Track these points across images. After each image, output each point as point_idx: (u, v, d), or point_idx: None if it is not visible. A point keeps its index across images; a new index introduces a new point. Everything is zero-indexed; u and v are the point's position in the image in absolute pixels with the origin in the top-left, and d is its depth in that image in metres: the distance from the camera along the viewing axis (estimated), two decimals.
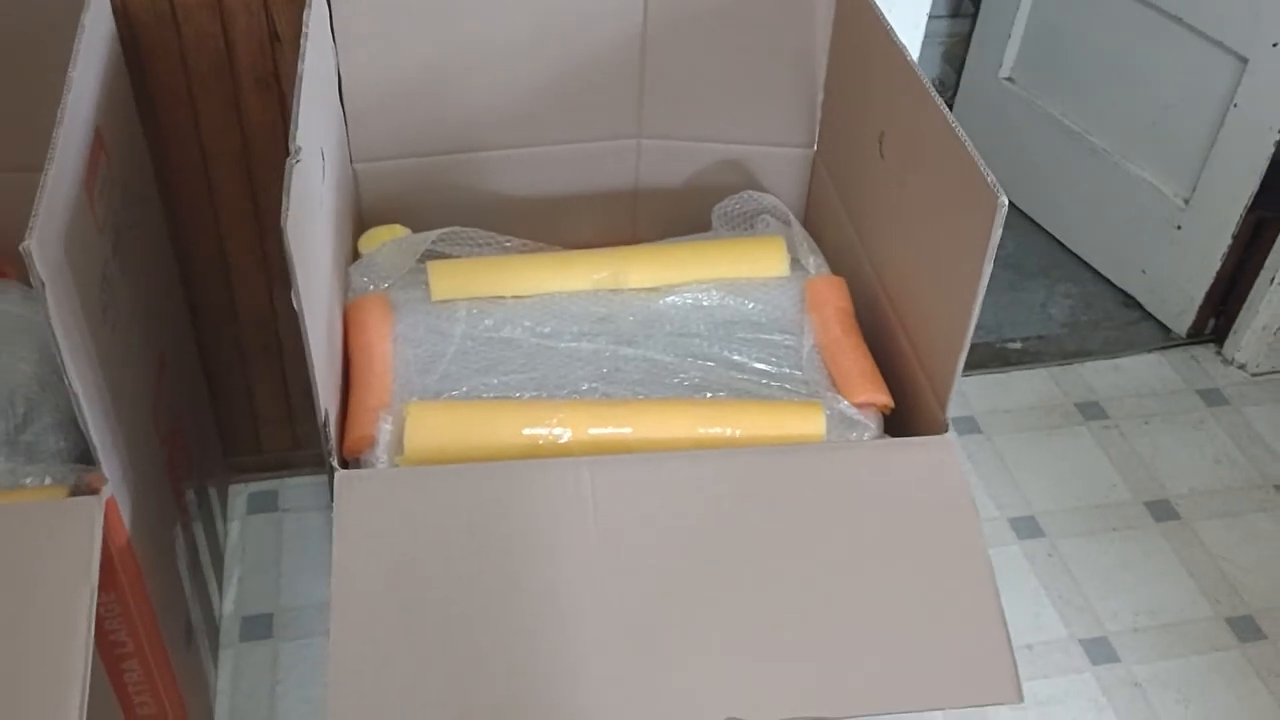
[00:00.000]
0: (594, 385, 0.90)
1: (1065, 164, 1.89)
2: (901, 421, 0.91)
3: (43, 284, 0.70)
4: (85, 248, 0.82)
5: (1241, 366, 1.73)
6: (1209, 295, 1.73)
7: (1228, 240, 1.67)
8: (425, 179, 1.08)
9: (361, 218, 1.08)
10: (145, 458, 0.96)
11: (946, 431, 0.85)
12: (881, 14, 0.92)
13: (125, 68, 1.04)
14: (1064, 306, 1.84)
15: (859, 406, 0.89)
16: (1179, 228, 1.73)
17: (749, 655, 0.78)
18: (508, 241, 1.05)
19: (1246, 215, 1.64)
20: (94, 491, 0.81)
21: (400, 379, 0.90)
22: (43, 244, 0.70)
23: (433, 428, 0.84)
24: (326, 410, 0.82)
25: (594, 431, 0.85)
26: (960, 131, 0.78)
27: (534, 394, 0.89)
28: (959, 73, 2.08)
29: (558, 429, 0.85)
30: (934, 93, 0.83)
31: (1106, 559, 1.45)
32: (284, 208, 0.71)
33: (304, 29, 0.86)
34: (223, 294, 1.27)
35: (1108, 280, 1.88)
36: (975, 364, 1.69)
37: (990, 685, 0.78)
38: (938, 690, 0.78)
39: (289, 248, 0.71)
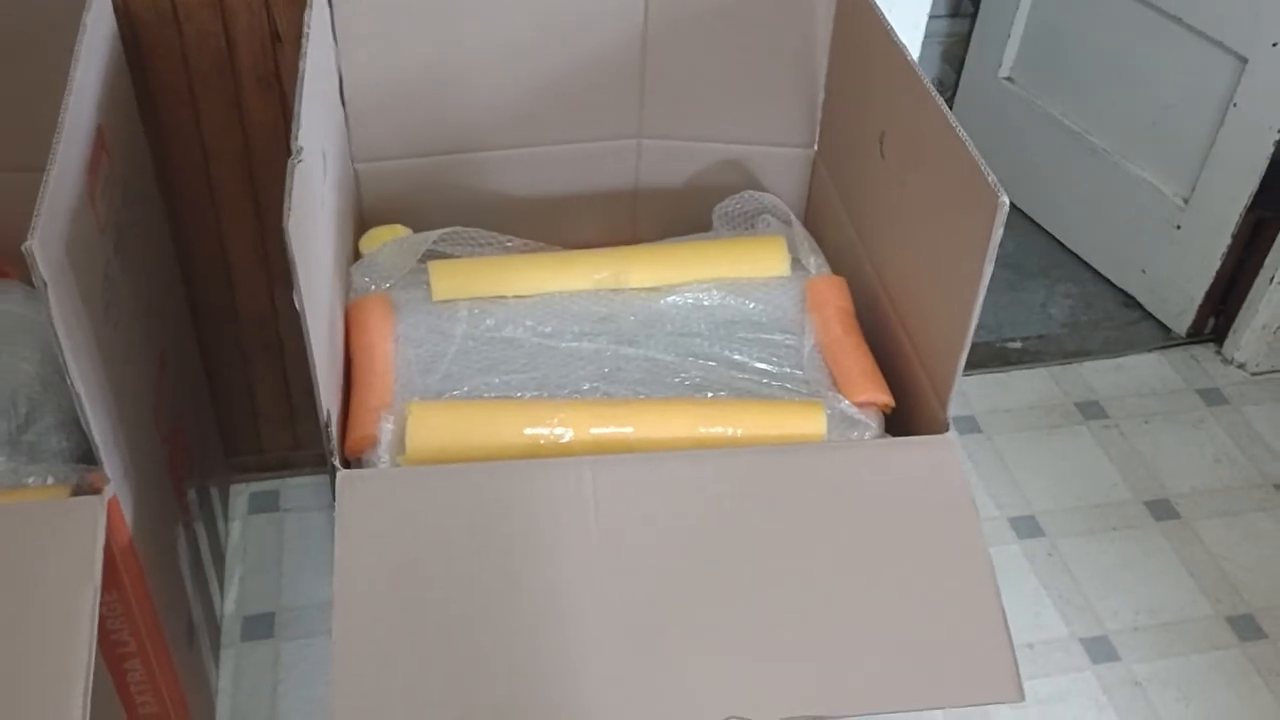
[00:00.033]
0: (595, 385, 0.91)
1: (1065, 164, 1.89)
2: (902, 421, 0.92)
3: (45, 283, 0.70)
4: (87, 247, 0.82)
5: (1241, 366, 1.74)
6: (1209, 295, 1.73)
7: (1227, 240, 1.67)
8: (426, 179, 1.08)
9: (363, 218, 1.08)
10: (147, 457, 0.96)
11: (947, 431, 0.85)
12: (882, 14, 0.93)
13: (127, 67, 1.04)
14: (1064, 306, 1.84)
15: (860, 406, 0.89)
16: (1179, 227, 1.73)
17: (750, 654, 0.78)
18: (509, 241, 1.05)
19: (1246, 215, 1.64)
20: (96, 491, 0.82)
21: (402, 379, 0.90)
22: (45, 243, 0.71)
23: (434, 427, 0.84)
24: (328, 410, 0.82)
25: (595, 431, 0.85)
26: (961, 131, 0.78)
27: (535, 394, 0.89)
28: (958, 72, 2.08)
29: (559, 428, 0.85)
30: (934, 93, 0.83)
31: (1107, 558, 1.45)
32: (286, 208, 0.71)
33: (305, 29, 0.86)
34: (224, 293, 1.27)
35: (1108, 280, 1.88)
36: (975, 363, 1.69)
37: (991, 684, 0.78)
38: (939, 689, 0.78)
39: (291, 248, 0.71)
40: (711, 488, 0.82)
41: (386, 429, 0.85)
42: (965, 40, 2.06)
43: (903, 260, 0.93)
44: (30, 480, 0.85)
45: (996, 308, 1.79)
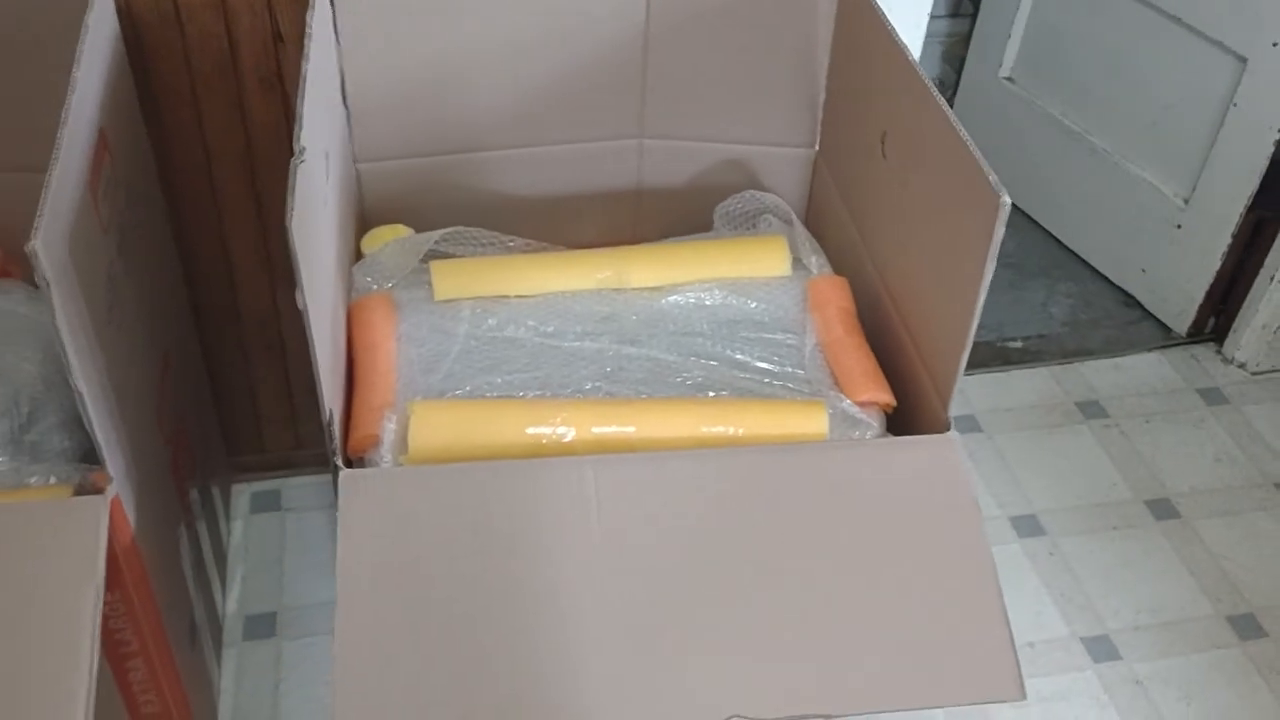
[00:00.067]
0: (597, 384, 0.91)
1: (1065, 164, 1.89)
2: (904, 420, 0.92)
3: (48, 283, 0.70)
4: (90, 248, 0.82)
5: (1241, 365, 1.74)
6: (1209, 294, 1.73)
7: (1227, 239, 1.67)
8: (428, 179, 1.09)
9: (365, 218, 1.09)
10: (150, 457, 0.96)
11: (949, 430, 0.85)
12: (883, 13, 0.93)
13: (129, 68, 1.05)
14: (1064, 306, 1.84)
15: (861, 405, 0.89)
16: (1179, 227, 1.73)
17: (752, 653, 0.78)
18: (511, 241, 1.05)
19: (1246, 214, 1.64)
20: (98, 491, 0.82)
21: (404, 378, 0.90)
22: (48, 244, 0.71)
23: (437, 427, 0.84)
24: (331, 409, 0.82)
25: (597, 430, 0.86)
26: (963, 132, 0.78)
27: (537, 393, 0.90)
28: (959, 72, 2.08)
29: (561, 428, 0.85)
30: (936, 93, 0.83)
31: (1107, 557, 1.45)
32: (289, 207, 0.71)
33: (308, 29, 0.86)
34: (226, 294, 1.27)
35: (1108, 280, 1.88)
36: (976, 363, 1.70)
37: (993, 682, 0.78)
38: (941, 688, 0.78)
39: (294, 247, 0.71)
40: (713, 487, 0.82)
41: (389, 428, 0.85)
42: (965, 40, 2.06)
43: (904, 260, 0.93)
44: (33, 480, 0.85)
45: (997, 307, 1.80)
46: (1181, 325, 1.78)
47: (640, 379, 0.91)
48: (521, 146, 1.09)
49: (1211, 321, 1.77)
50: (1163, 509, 1.52)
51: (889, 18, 0.92)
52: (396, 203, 1.08)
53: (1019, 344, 1.76)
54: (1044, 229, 1.97)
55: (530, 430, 0.85)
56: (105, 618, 0.89)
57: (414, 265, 1.00)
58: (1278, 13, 1.52)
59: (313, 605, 1.34)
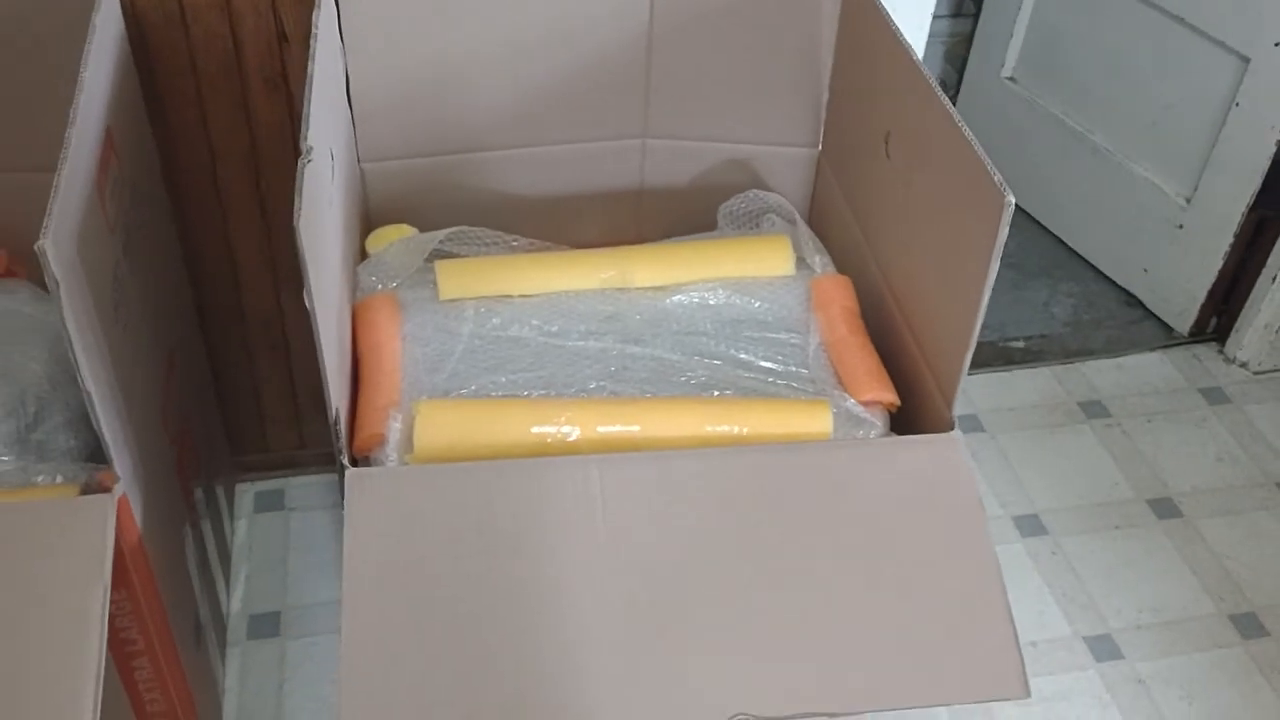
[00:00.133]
0: (602, 384, 0.91)
1: (1067, 163, 1.89)
2: (907, 419, 0.92)
3: (57, 283, 0.71)
4: (97, 247, 0.82)
5: (1243, 365, 1.74)
6: (1211, 294, 1.74)
7: (1229, 239, 1.67)
8: (432, 179, 1.09)
9: (369, 217, 1.09)
10: (155, 457, 0.96)
11: (953, 429, 0.86)
12: (887, 13, 0.93)
13: (135, 68, 1.05)
14: (1066, 305, 1.84)
15: (865, 404, 0.89)
16: (1181, 227, 1.74)
17: (756, 652, 0.78)
18: (515, 241, 1.06)
19: (1248, 214, 1.64)
20: (105, 490, 0.82)
21: (409, 378, 0.90)
22: (57, 243, 0.71)
23: (442, 426, 0.85)
24: (337, 409, 0.82)
25: (602, 430, 0.86)
26: (967, 131, 0.79)
27: (542, 392, 0.90)
28: (960, 72, 2.08)
29: (566, 427, 0.85)
30: (940, 92, 0.83)
31: (1110, 557, 1.45)
32: (296, 207, 0.71)
33: (313, 29, 0.86)
34: (230, 294, 1.27)
35: (1110, 279, 1.89)
36: (978, 363, 1.69)
37: (997, 680, 0.78)
38: (945, 686, 0.79)
39: (301, 247, 0.71)
40: (718, 486, 0.83)
41: (394, 427, 0.85)
42: (967, 40, 2.06)
43: (908, 259, 0.93)
44: (39, 479, 0.85)
45: (999, 307, 1.80)
46: (1183, 325, 1.78)
47: (644, 378, 0.92)
48: (525, 146, 1.09)
49: (1213, 321, 1.78)
50: (1165, 508, 1.52)
51: (893, 18, 0.93)
52: (401, 202, 1.08)
53: (1021, 344, 1.76)
54: (1046, 229, 1.97)
55: (535, 429, 0.85)
56: (111, 616, 0.89)
57: (418, 265, 1.00)
58: (1279, 12, 1.52)
59: (316, 605, 1.34)
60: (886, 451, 0.87)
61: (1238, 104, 1.60)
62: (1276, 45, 1.53)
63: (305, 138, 0.76)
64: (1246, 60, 1.58)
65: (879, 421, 0.90)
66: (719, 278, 0.99)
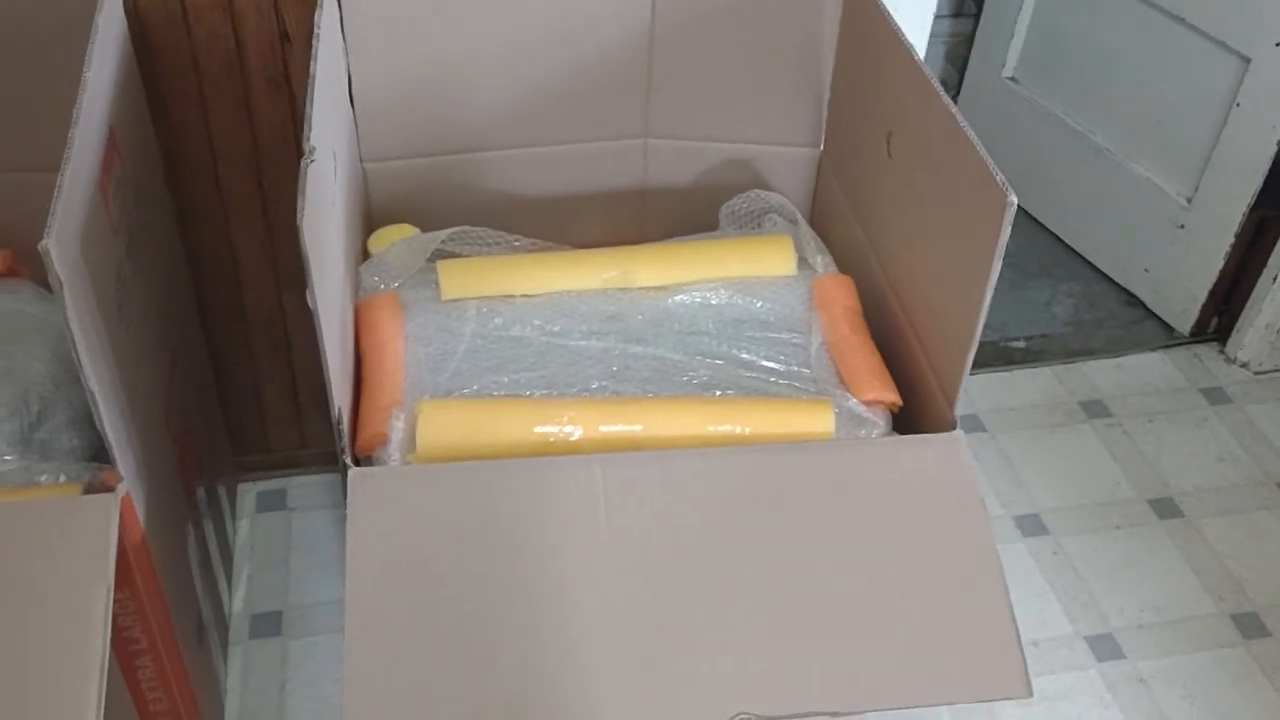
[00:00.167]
0: (604, 383, 0.91)
1: (1068, 163, 1.89)
2: (910, 419, 0.92)
3: (61, 282, 0.71)
4: (101, 247, 0.82)
5: (1244, 365, 1.74)
6: (1212, 294, 1.74)
7: (1230, 239, 1.67)
8: (434, 179, 1.09)
9: (371, 217, 1.09)
10: (158, 456, 0.96)
11: (955, 429, 0.86)
12: (888, 13, 0.93)
13: (137, 68, 1.05)
14: (1067, 305, 1.85)
15: (867, 404, 0.89)
16: (1182, 227, 1.74)
17: (758, 651, 0.78)
18: (517, 241, 1.06)
19: (1249, 214, 1.64)
20: (108, 489, 0.82)
21: (411, 377, 0.90)
22: (61, 243, 0.71)
23: (445, 425, 0.85)
24: (340, 408, 0.83)
25: (604, 429, 0.86)
26: (969, 131, 0.79)
27: (544, 392, 0.90)
28: (961, 72, 2.09)
29: (568, 427, 0.85)
30: (942, 92, 0.83)
31: (1111, 556, 1.45)
32: (300, 207, 0.71)
33: (316, 29, 0.86)
34: (232, 293, 1.27)
35: (1111, 279, 1.89)
36: (979, 363, 1.70)
37: (1000, 680, 0.78)
38: (947, 685, 0.79)
39: (305, 247, 0.72)
40: (720, 485, 0.83)
41: (397, 427, 0.85)
42: (968, 40, 2.06)
43: (910, 259, 0.93)
44: (43, 478, 0.85)
45: (1000, 307, 1.80)
46: (1184, 325, 1.78)
47: (646, 378, 0.92)
48: (527, 146, 1.09)
49: (1214, 321, 1.78)
50: (1166, 508, 1.52)
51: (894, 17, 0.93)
52: (403, 202, 1.08)
53: (1022, 344, 1.77)
54: (1046, 228, 1.97)
55: (537, 429, 0.85)
56: (114, 616, 0.89)
57: (420, 265, 1.00)
58: None
59: (318, 604, 1.35)
60: (888, 451, 0.87)
61: (1238, 104, 1.60)
62: (1277, 45, 1.53)
63: (308, 137, 0.76)
64: (1247, 60, 1.58)
65: (881, 421, 0.90)
66: (721, 277, 0.99)
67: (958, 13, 2.15)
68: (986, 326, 0.81)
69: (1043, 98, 1.92)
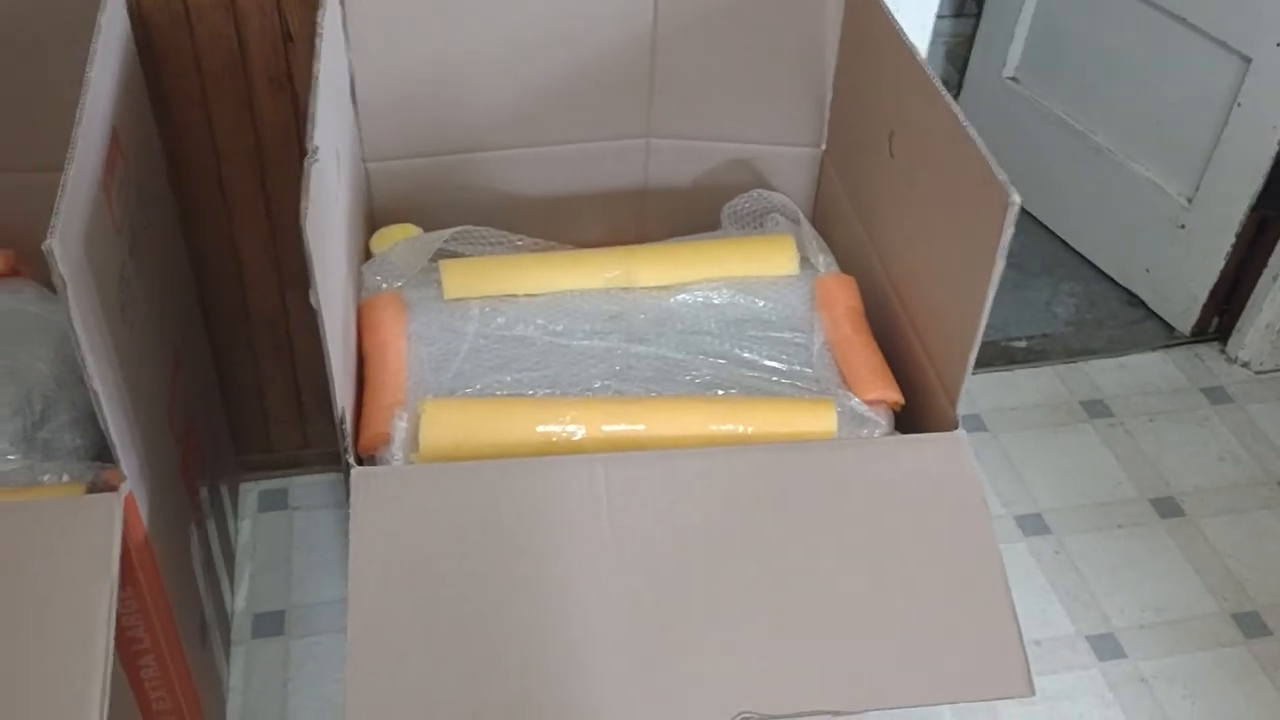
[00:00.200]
0: (606, 383, 0.91)
1: (1069, 163, 1.89)
2: (912, 419, 0.92)
3: (65, 282, 0.71)
4: (104, 247, 0.82)
5: (1245, 365, 1.74)
6: (1213, 294, 1.74)
7: (1231, 239, 1.67)
8: (437, 178, 1.09)
9: (373, 217, 1.09)
10: (161, 456, 0.96)
11: (957, 428, 0.86)
12: (890, 13, 0.93)
13: (140, 69, 1.05)
14: (1068, 305, 1.85)
15: (870, 403, 0.90)
16: (1183, 227, 1.74)
17: (761, 650, 0.78)
18: (519, 240, 1.06)
19: (1250, 214, 1.64)
20: (111, 488, 0.82)
21: (414, 377, 0.90)
22: (64, 243, 0.71)
23: (448, 425, 0.85)
24: (343, 407, 0.83)
25: (607, 429, 0.86)
26: (971, 130, 0.79)
27: (547, 391, 0.90)
28: (962, 73, 2.09)
29: (571, 426, 0.86)
30: (944, 92, 0.84)
31: (1112, 556, 1.45)
32: (303, 206, 0.71)
33: (318, 29, 0.87)
34: (235, 293, 1.28)
35: (1112, 279, 1.89)
36: (981, 362, 1.69)
37: (1002, 679, 0.78)
38: (949, 684, 0.79)
39: (308, 246, 0.72)
40: (723, 485, 0.83)
41: (400, 426, 0.85)
42: (969, 40, 2.06)
43: (912, 259, 0.93)
44: (46, 478, 0.85)
45: (1001, 307, 1.80)
46: (1185, 324, 1.78)
47: (649, 377, 0.92)
48: (530, 146, 1.09)
49: (1215, 321, 1.78)
50: (1167, 507, 1.52)
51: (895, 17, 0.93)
52: (405, 202, 1.08)
53: (1023, 343, 1.77)
54: (1047, 228, 1.97)
55: (540, 428, 0.85)
56: (118, 615, 0.89)
57: (423, 264, 1.01)
58: None
59: (320, 604, 1.35)
60: (891, 450, 0.87)
61: (1239, 104, 1.60)
62: (1278, 45, 1.53)
63: (311, 137, 0.76)
64: (1248, 60, 1.58)
65: (883, 420, 0.90)
66: (723, 277, 1.00)
67: (958, 13, 2.15)
68: (988, 326, 0.81)
69: (1043, 98, 1.92)
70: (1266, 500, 1.54)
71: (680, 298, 0.98)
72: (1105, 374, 1.72)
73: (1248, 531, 1.49)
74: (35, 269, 1.02)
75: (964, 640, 0.79)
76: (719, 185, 1.12)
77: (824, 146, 1.11)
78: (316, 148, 0.76)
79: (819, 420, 0.88)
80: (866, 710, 0.79)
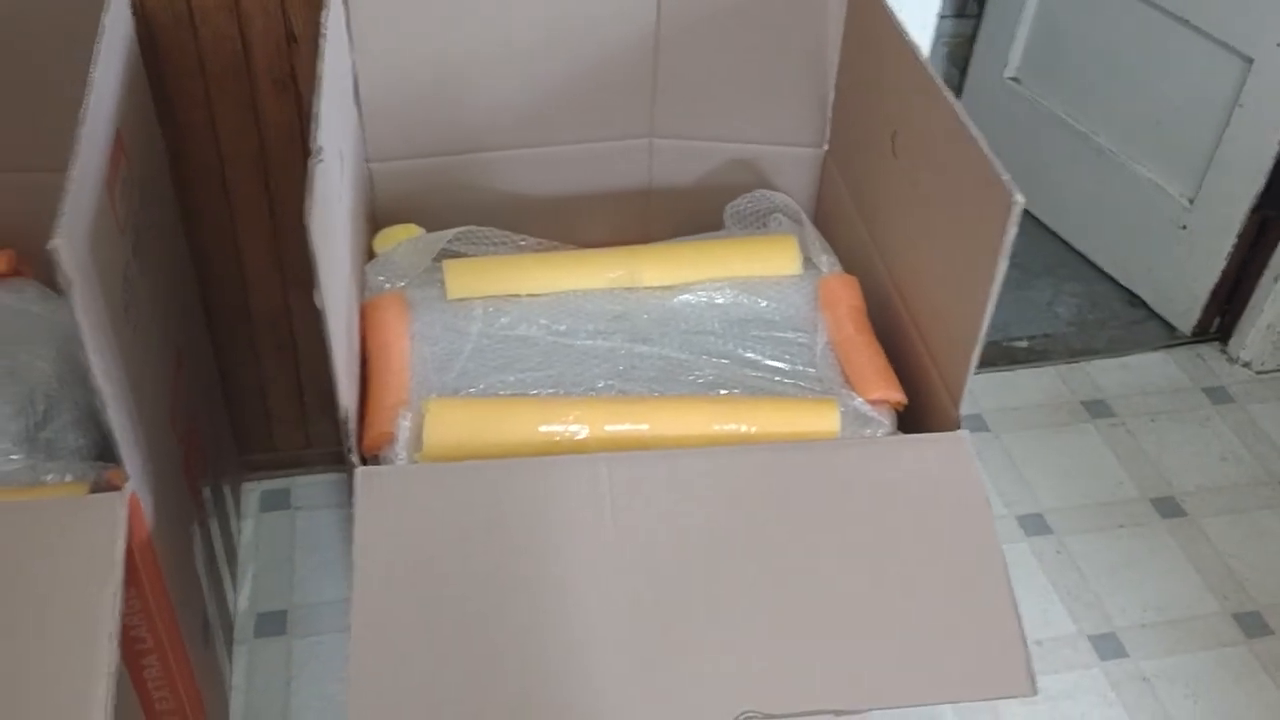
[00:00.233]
0: (610, 382, 0.91)
1: (1071, 164, 1.89)
2: (914, 418, 0.92)
3: (69, 282, 0.71)
4: (108, 247, 0.82)
5: (1246, 365, 1.74)
6: (1214, 294, 1.74)
7: (1232, 239, 1.67)
8: (440, 179, 1.09)
9: (377, 217, 1.09)
10: (164, 456, 0.96)
11: (959, 428, 0.86)
12: (893, 13, 0.93)
13: (144, 69, 1.05)
14: (1070, 305, 1.85)
15: (873, 403, 0.90)
16: (1184, 227, 1.74)
17: (764, 649, 0.78)
18: (522, 240, 1.06)
19: (1251, 214, 1.64)
20: (114, 488, 0.82)
21: (418, 376, 0.91)
22: (69, 243, 0.71)
23: (451, 424, 0.85)
24: (346, 407, 0.83)
25: (610, 428, 0.86)
26: (974, 130, 0.79)
27: (550, 391, 0.90)
28: (963, 73, 2.09)
29: (574, 426, 0.86)
30: (947, 91, 0.84)
31: (1114, 556, 1.46)
32: (307, 206, 0.71)
33: (322, 30, 0.87)
34: (238, 294, 1.28)
35: (1113, 279, 1.89)
36: (982, 362, 1.67)
37: (1004, 678, 0.78)
38: (952, 683, 0.79)
39: (313, 246, 0.72)
40: (726, 485, 0.83)
41: (404, 426, 0.86)
42: (970, 41, 2.06)
43: (915, 259, 0.93)
44: (49, 477, 0.85)
45: (1003, 307, 1.78)
46: (1187, 325, 1.78)
47: (652, 377, 0.92)
48: (533, 146, 1.10)
49: (1217, 321, 1.78)
50: (1169, 507, 1.52)
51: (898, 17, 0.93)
52: (408, 202, 1.09)
53: (1025, 343, 1.77)
54: (1049, 229, 1.97)
55: (543, 428, 0.86)
56: (121, 615, 0.89)
57: (426, 264, 1.01)
58: None
59: (322, 603, 1.35)
60: (893, 450, 0.87)
61: (1241, 104, 1.60)
62: (1279, 46, 1.54)
63: (315, 137, 0.76)
64: (1249, 61, 1.58)
65: (886, 420, 0.90)
66: (726, 277, 1.00)
67: (960, 13, 2.15)
68: (990, 326, 0.81)
69: (1045, 98, 1.92)
70: (1268, 500, 1.54)
71: (683, 298, 0.99)
72: (1107, 374, 1.72)
73: (1249, 531, 1.49)
74: (37, 269, 1.02)
75: (966, 640, 0.79)
76: (722, 185, 1.12)
77: (827, 146, 1.11)
78: (321, 148, 0.76)
79: (822, 420, 0.88)
80: (869, 710, 0.79)
